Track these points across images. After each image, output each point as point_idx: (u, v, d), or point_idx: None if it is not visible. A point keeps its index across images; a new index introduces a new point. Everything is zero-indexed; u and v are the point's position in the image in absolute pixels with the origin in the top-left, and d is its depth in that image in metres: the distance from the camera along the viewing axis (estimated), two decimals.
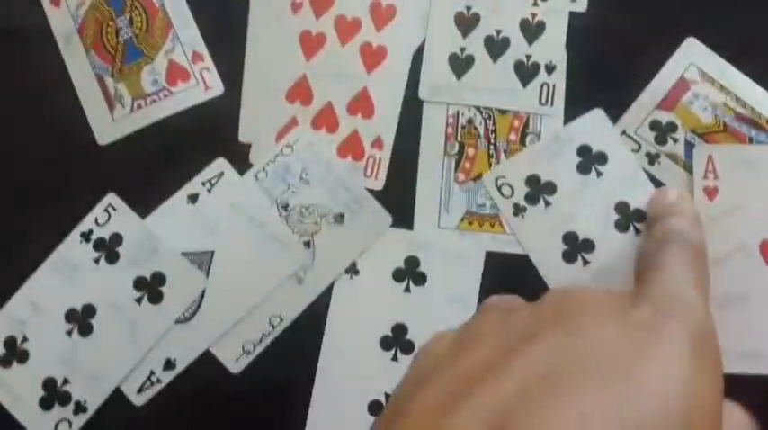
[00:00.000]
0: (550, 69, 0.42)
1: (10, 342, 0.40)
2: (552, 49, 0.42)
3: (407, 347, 0.40)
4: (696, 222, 0.36)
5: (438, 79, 0.42)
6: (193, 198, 0.41)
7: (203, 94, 0.42)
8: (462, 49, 0.42)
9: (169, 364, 0.40)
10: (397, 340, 0.40)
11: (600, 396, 0.20)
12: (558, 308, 0.25)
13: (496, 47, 0.42)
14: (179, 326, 0.40)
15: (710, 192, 0.41)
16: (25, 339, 0.40)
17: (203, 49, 0.42)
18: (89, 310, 0.40)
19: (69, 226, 0.41)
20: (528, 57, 0.42)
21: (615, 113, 0.41)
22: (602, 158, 0.41)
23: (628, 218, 0.40)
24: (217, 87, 0.42)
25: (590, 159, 0.41)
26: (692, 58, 0.42)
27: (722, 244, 0.40)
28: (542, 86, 0.42)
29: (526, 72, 0.42)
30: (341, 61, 0.42)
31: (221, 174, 0.41)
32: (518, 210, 0.40)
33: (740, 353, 0.39)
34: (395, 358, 0.40)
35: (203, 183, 0.41)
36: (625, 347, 0.22)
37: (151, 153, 0.42)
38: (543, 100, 0.42)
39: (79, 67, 0.43)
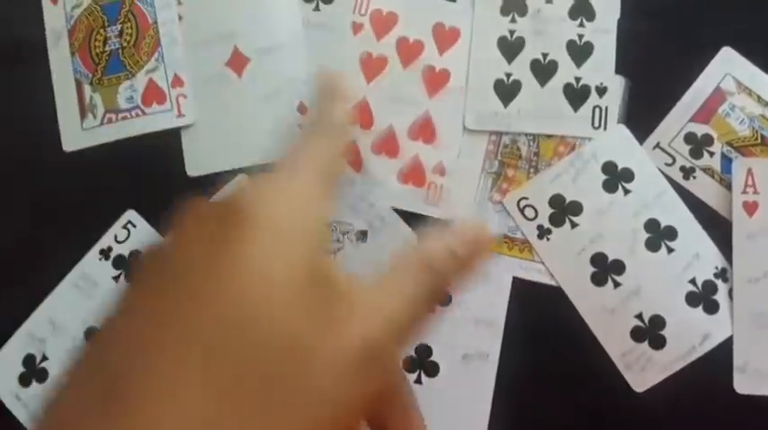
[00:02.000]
0: (602, 91, 0.40)
1: (29, 360, 0.40)
2: (602, 69, 0.40)
3: (432, 369, 0.39)
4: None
5: (484, 107, 0.41)
6: None
7: (175, 120, 0.41)
8: (508, 75, 0.41)
9: None
10: (421, 361, 0.39)
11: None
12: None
13: (544, 71, 0.41)
14: None
15: (750, 207, 0.39)
16: (44, 358, 0.40)
17: (185, 75, 0.42)
18: None
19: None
20: (577, 79, 0.40)
21: (648, 126, 0.40)
22: (628, 175, 0.40)
23: (658, 236, 0.39)
24: (190, 116, 0.41)
25: (616, 177, 0.40)
26: (728, 68, 0.41)
27: (761, 262, 0.39)
28: (594, 109, 0.40)
29: (576, 95, 0.40)
30: (402, 85, 0.41)
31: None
32: (543, 232, 0.39)
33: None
34: (418, 380, 0.39)
35: None
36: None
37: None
38: (596, 123, 0.40)
39: (61, 68, 0.43)
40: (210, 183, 0.41)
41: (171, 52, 0.42)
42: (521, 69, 0.41)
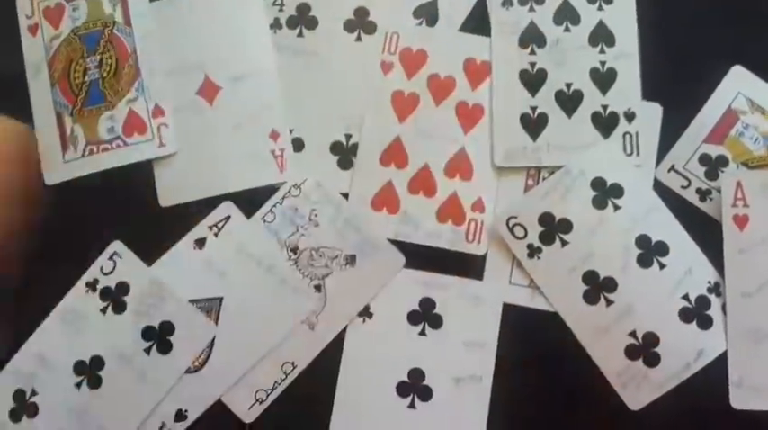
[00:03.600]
0: (630, 117, 0.40)
1: (19, 396, 0.39)
2: (628, 95, 0.40)
3: (425, 394, 0.39)
4: None
5: (512, 142, 0.40)
6: (200, 243, 0.40)
7: (157, 149, 0.41)
8: (533, 108, 0.40)
9: (180, 415, 0.39)
10: (414, 386, 0.39)
11: None
12: None
13: (569, 101, 0.40)
14: (189, 376, 0.38)
15: (740, 221, 0.39)
16: (34, 393, 0.39)
17: (167, 104, 0.41)
18: (98, 362, 0.39)
19: None
20: (604, 107, 0.40)
21: (662, 148, 0.40)
22: (617, 191, 0.39)
23: (650, 252, 0.39)
24: (171, 145, 0.41)
25: (605, 192, 0.39)
26: (740, 87, 0.40)
27: (754, 275, 0.38)
28: (625, 136, 0.40)
29: (605, 123, 0.40)
30: (436, 122, 0.41)
31: (228, 217, 0.40)
32: (533, 251, 0.39)
33: None
34: (412, 405, 0.38)
35: (210, 228, 0.40)
36: None
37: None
38: (628, 150, 0.40)
39: (42, 100, 0.42)
40: (189, 211, 0.40)
41: (151, 82, 0.41)
42: (546, 101, 0.40)
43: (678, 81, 0.40)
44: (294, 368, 0.39)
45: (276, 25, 0.43)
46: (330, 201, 0.41)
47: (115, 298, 0.39)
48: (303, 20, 0.43)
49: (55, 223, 0.42)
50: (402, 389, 0.38)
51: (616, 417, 0.38)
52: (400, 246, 0.40)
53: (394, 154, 0.41)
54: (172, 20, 0.43)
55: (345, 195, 0.40)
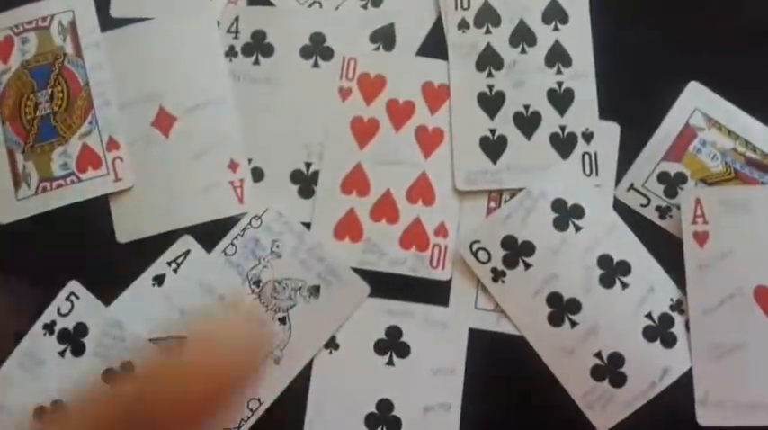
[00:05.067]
0: (588, 137, 0.40)
1: None
2: (586, 114, 0.40)
3: (394, 425, 0.38)
4: None
5: (473, 166, 0.40)
6: (159, 280, 0.39)
7: (113, 184, 0.40)
8: (493, 131, 0.40)
9: None
10: (383, 417, 0.38)
11: None
12: None
13: (528, 123, 0.40)
14: None
15: (700, 238, 0.39)
16: None
17: (121, 137, 0.40)
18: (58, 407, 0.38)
19: None
20: (562, 128, 0.40)
21: (622, 166, 0.40)
22: (578, 211, 0.39)
23: (612, 272, 0.39)
24: (127, 179, 0.40)
25: (566, 214, 0.39)
26: (697, 103, 0.41)
27: (715, 291, 0.39)
28: (583, 156, 0.40)
29: (564, 144, 0.40)
30: (396, 147, 0.40)
31: (187, 252, 0.39)
32: (497, 275, 0.39)
33: (739, 405, 0.38)
34: None
35: (168, 263, 0.39)
36: None
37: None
38: (587, 170, 0.40)
39: None
40: (147, 247, 0.39)
41: (104, 114, 0.40)
42: (505, 124, 0.40)
43: (635, 99, 0.41)
44: (260, 404, 0.38)
45: (231, 53, 0.42)
46: (292, 231, 0.40)
47: (74, 340, 0.39)
48: (259, 47, 0.42)
49: (8, 263, 0.41)
50: (371, 421, 0.38)
51: None
52: (364, 274, 0.39)
53: (355, 181, 0.41)
54: (125, 50, 0.42)
55: (307, 225, 0.40)
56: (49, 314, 0.39)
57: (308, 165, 0.41)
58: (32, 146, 0.41)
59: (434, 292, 0.39)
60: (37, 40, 0.42)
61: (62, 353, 0.39)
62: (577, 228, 0.39)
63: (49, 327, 0.39)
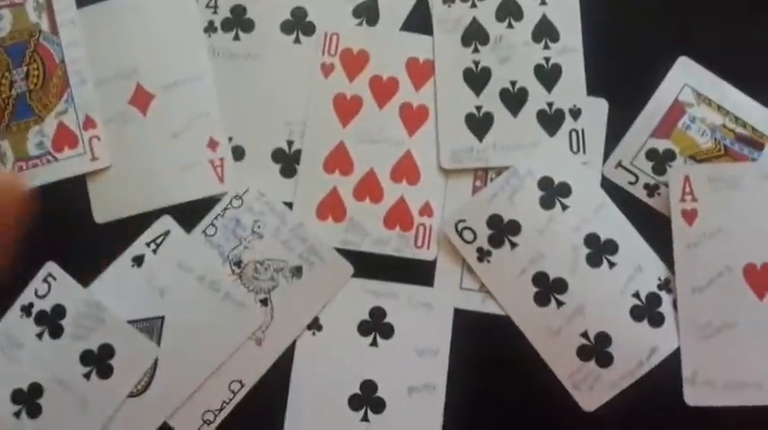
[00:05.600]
0: (576, 113, 0.39)
1: None
2: (573, 91, 0.39)
3: (378, 406, 0.38)
4: None
5: (458, 144, 0.39)
6: (138, 260, 0.38)
7: (89, 163, 0.39)
8: (479, 108, 0.39)
9: None
10: (366, 398, 0.37)
11: None
12: None
13: (514, 99, 0.39)
14: (132, 401, 0.37)
15: (689, 216, 0.39)
16: None
17: (98, 115, 0.39)
18: (36, 390, 0.37)
19: None
20: (550, 104, 0.39)
21: (610, 144, 0.39)
22: (565, 190, 0.39)
23: (599, 251, 0.38)
24: (105, 158, 0.39)
25: (553, 192, 0.38)
26: (686, 79, 0.40)
27: (704, 270, 0.38)
28: (571, 133, 0.39)
29: (551, 121, 0.39)
30: (380, 125, 0.39)
31: (167, 232, 0.39)
32: (483, 254, 0.38)
33: (727, 384, 0.38)
34: (365, 418, 0.37)
35: (148, 244, 0.39)
36: None
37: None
38: (574, 147, 0.39)
39: None
40: (126, 227, 0.39)
41: (81, 93, 0.39)
42: (491, 100, 0.39)
43: (623, 75, 0.40)
44: (242, 386, 0.38)
45: (210, 28, 0.41)
46: (273, 211, 0.39)
47: (51, 322, 0.38)
48: (239, 22, 0.41)
49: None
50: (354, 403, 0.37)
51: (571, 419, 0.37)
52: (348, 254, 0.39)
53: (338, 160, 0.40)
54: (101, 26, 0.41)
55: (289, 204, 0.39)
56: (26, 296, 0.38)
57: (290, 143, 0.40)
58: (8, 125, 0.40)
59: (419, 273, 0.39)
60: (11, 17, 0.41)
61: (39, 336, 0.38)
62: (564, 207, 0.38)
63: (26, 309, 0.38)
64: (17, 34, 0.41)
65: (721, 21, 0.40)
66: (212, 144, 0.39)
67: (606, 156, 0.39)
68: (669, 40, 0.40)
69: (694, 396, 0.37)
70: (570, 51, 0.40)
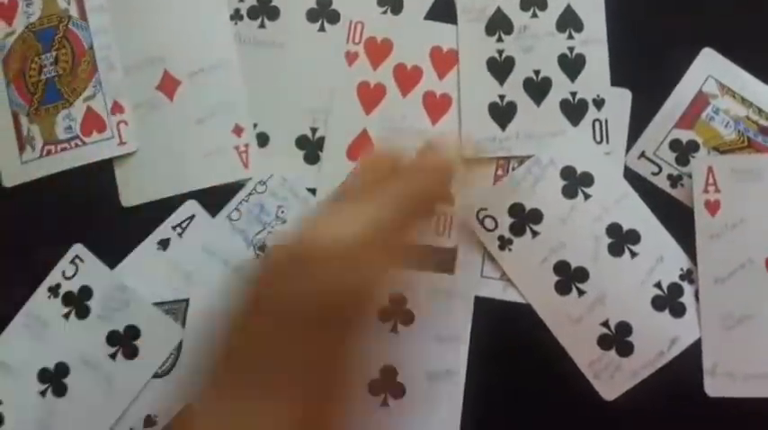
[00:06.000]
0: (599, 104, 0.39)
1: None
2: (597, 81, 0.39)
3: (398, 391, 0.38)
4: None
5: (481, 133, 0.39)
6: (164, 244, 0.39)
7: (117, 148, 0.40)
8: (502, 97, 0.39)
9: (149, 421, 0.38)
10: (386, 384, 0.38)
11: None
12: None
13: (538, 89, 0.39)
14: (157, 381, 0.38)
15: (712, 207, 0.39)
16: None
17: (126, 101, 0.40)
18: (62, 369, 0.38)
19: None
20: (573, 94, 0.39)
21: (633, 134, 0.39)
22: (587, 179, 0.39)
23: (621, 240, 0.38)
24: (132, 143, 0.40)
25: (575, 181, 0.39)
26: (710, 70, 0.40)
27: (726, 261, 0.38)
28: (594, 123, 0.39)
29: (574, 110, 0.39)
30: (403, 113, 0.40)
31: (192, 216, 0.39)
32: (504, 243, 0.38)
33: (747, 376, 0.38)
34: (385, 403, 0.38)
35: (173, 228, 0.39)
36: None
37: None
38: (598, 137, 0.39)
39: None
40: (152, 211, 0.39)
41: (109, 78, 0.40)
42: (514, 90, 0.39)
43: (647, 66, 0.40)
44: None
45: (237, 16, 0.41)
46: (297, 196, 0.40)
47: (78, 302, 0.39)
48: (265, 10, 0.41)
49: (14, 226, 0.40)
50: (374, 388, 0.38)
51: (591, 408, 0.37)
52: None
53: (361, 147, 0.40)
54: (130, 13, 0.41)
55: (313, 191, 0.40)
56: (53, 277, 0.39)
57: (314, 130, 0.41)
58: (37, 109, 0.41)
59: (440, 260, 0.39)
60: (42, 3, 0.42)
61: (66, 316, 0.39)
62: (586, 196, 0.38)
63: (53, 290, 0.39)
64: (47, 20, 0.41)
65: (746, 12, 0.40)
66: (237, 130, 0.40)
67: (629, 147, 0.39)
68: (693, 31, 0.39)
69: (714, 387, 0.37)
70: (594, 41, 0.39)
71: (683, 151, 0.39)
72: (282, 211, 0.39)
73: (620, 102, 0.39)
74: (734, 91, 0.40)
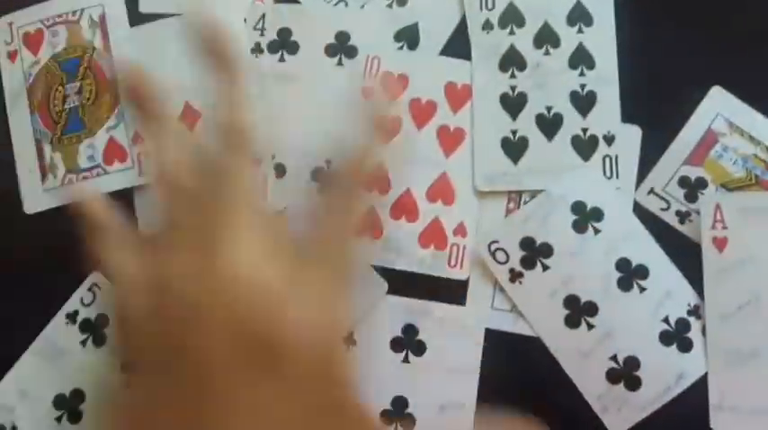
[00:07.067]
0: (610, 140, 0.40)
1: None
2: (608, 117, 0.40)
3: (408, 422, 0.39)
4: None
5: (493, 167, 0.40)
6: None
7: (137, 178, 0.41)
8: (514, 132, 0.40)
9: None
10: (397, 414, 0.38)
11: None
12: None
13: (550, 124, 0.40)
14: None
15: (719, 243, 0.39)
16: (14, 428, 0.39)
17: None
18: (78, 396, 0.39)
19: None
20: (584, 130, 0.40)
21: (642, 171, 0.40)
22: (598, 214, 0.39)
23: (630, 275, 0.39)
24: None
25: (586, 216, 0.39)
26: (719, 108, 0.40)
27: (733, 297, 0.39)
28: (604, 159, 0.40)
29: (585, 146, 0.40)
30: (418, 146, 0.41)
31: None
32: (514, 276, 0.39)
33: (753, 411, 0.38)
34: None
35: None
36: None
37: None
38: (608, 173, 0.40)
39: (21, 128, 0.42)
40: None
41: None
42: (526, 125, 0.40)
43: (657, 103, 0.41)
44: None
45: (257, 50, 0.43)
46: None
47: (95, 330, 0.39)
48: (284, 44, 0.43)
49: (33, 253, 0.41)
50: (385, 418, 0.38)
51: None
52: (382, 272, 0.40)
53: (375, 179, 0.41)
54: (152, 45, 0.43)
55: None
56: (71, 304, 0.40)
57: (329, 163, 0.42)
58: (60, 137, 0.42)
59: (452, 291, 0.40)
60: (67, 34, 0.43)
61: (83, 343, 0.39)
62: (596, 231, 0.39)
63: (71, 317, 0.40)
64: (72, 50, 0.42)
65: (755, 51, 0.41)
66: (255, 162, 0.41)
67: (639, 183, 0.40)
68: (703, 69, 0.40)
69: (721, 422, 0.38)
70: (605, 79, 0.40)
71: (692, 188, 0.40)
72: None
73: (630, 138, 0.40)
74: (742, 129, 0.41)
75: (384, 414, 0.38)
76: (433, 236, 0.40)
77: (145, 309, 0.26)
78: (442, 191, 0.41)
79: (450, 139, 0.41)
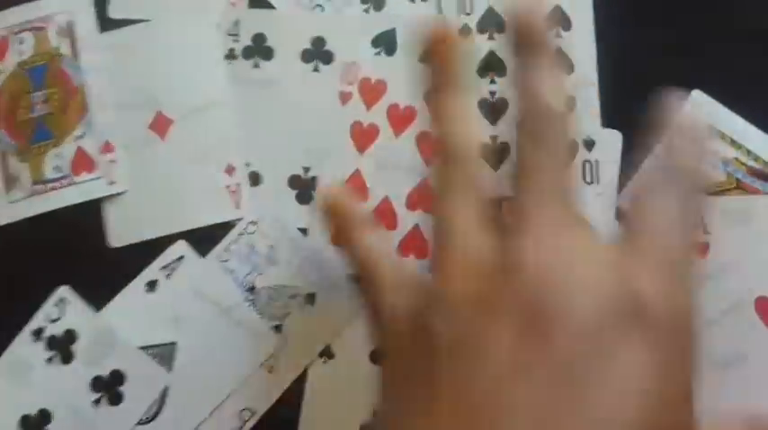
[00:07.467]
0: (590, 145, 0.39)
1: None
2: (588, 122, 0.40)
3: None
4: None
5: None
6: (152, 285, 0.38)
7: (106, 187, 0.39)
8: (494, 138, 0.40)
9: None
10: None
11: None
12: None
13: None
14: (141, 428, 0.37)
15: (702, 249, 0.39)
16: None
17: (117, 140, 0.40)
18: (45, 416, 0.37)
19: None
20: None
21: (623, 176, 0.39)
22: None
23: None
24: (122, 183, 0.39)
25: None
26: (699, 113, 0.40)
27: (716, 303, 0.38)
28: (585, 164, 0.39)
29: None
30: (397, 153, 0.40)
31: (181, 257, 0.39)
32: None
33: (738, 416, 0.38)
34: None
35: (162, 269, 0.39)
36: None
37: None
38: (588, 178, 0.39)
39: None
40: (140, 252, 0.39)
41: (100, 117, 0.40)
42: (506, 131, 0.40)
43: (638, 108, 0.41)
44: (252, 415, 0.37)
45: (231, 56, 0.41)
46: (288, 237, 0.40)
47: (62, 347, 0.38)
48: (259, 50, 0.42)
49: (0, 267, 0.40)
50: None
51: None
52: None
53: (354, 187, 0.40)
54: (122, 51, 0.41)
55: (305, 231, 0.40)
56: (37, 320, 0.38)
57: (307, 169, 0.40)
58: (26, 147, 0.40)
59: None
60: (34, 41, 0.42)
61: (50, 360, 0.38)
62: None
63: (37, 334, 0.38)
64: (38, 58, 0.41)
65: (735, 55, 0.40)
66: (229, 169, 0.40)
67: (620, 188, 0.40)
68: (684, 73, 0.40)
69: (705, 427, 0.37)
70: (585, 83, 0.40)
71: None
72: (273, 252, 0.39)
73: (611, 143, 0.40)
74: (723, 133, 0.40)
75: (365, 428, 0.37)
76: (413, 244, 0.39)
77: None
78: (421, 198, 0.40)
79: (429, 146, 0.41)
